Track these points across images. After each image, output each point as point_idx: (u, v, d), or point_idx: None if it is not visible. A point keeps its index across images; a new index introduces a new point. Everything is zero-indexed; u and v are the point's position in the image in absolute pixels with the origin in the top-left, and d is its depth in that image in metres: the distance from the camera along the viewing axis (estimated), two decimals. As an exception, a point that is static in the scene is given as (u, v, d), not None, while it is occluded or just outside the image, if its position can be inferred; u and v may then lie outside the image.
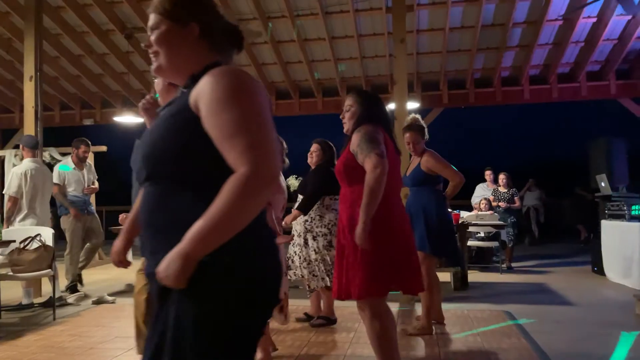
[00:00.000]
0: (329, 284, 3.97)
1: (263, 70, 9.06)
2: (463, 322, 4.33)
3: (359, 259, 2.37)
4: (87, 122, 10.40)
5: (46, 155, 8.99)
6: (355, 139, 2.41)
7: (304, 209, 4.01)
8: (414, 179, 4.04)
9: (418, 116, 4.19)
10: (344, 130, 2.59)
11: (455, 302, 5.16)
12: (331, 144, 4.25)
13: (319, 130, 5.14)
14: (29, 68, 6.03)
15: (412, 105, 8.00)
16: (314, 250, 4.04)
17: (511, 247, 7.66)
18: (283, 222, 3.97)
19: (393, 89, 5.52)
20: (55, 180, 5.65)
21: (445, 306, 4.57)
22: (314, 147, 4.21)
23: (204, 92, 1.13)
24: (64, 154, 9.08)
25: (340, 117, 2.61)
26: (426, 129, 4.10)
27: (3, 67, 9.26)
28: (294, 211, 3.97)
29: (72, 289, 5.64)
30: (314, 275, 4.06)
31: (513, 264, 7.72)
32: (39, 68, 6.06)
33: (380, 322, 2.43)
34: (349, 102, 2.57)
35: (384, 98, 7.70)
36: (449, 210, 6.64)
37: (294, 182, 5.73)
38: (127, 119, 8.45)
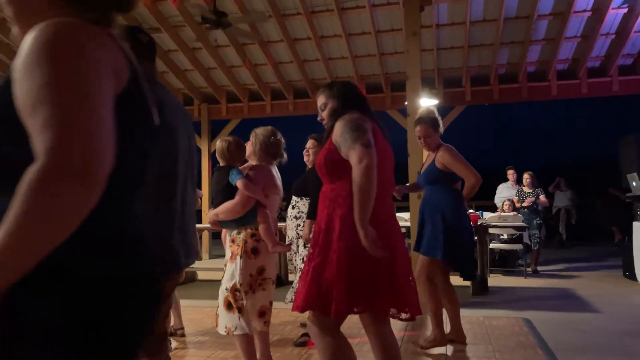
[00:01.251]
0: None
1: (280, 69, 8.94)
2: (476, 330, 4.09)
3: (330, 268, 2.01)
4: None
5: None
6: (338, 128, 2.07)
7: (315, 216, 3.68)
8: (427, 177, 3.64)
9: (433, 108, 3.77)
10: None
11: (472, 307, 4.90)
12: None
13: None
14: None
15: (432, 102, 7.74)
16: (302, 259, 3.75)
17: (537, 250, 7.31)
18: (303, 238, 3.70)
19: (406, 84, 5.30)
20: None
21: (460, 312, 4.32)
22: (310, 143, 3.87)
23: (17, 55, 0.85)
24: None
25: (318, 119, 2.27)
26: (440, 121, 3.69)
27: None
28: (307, 221, 3.64)
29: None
30: None
31: (539, 268, 7.37)
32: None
33: (332, 339, 2.07)
34: (322, 101, 2.25)
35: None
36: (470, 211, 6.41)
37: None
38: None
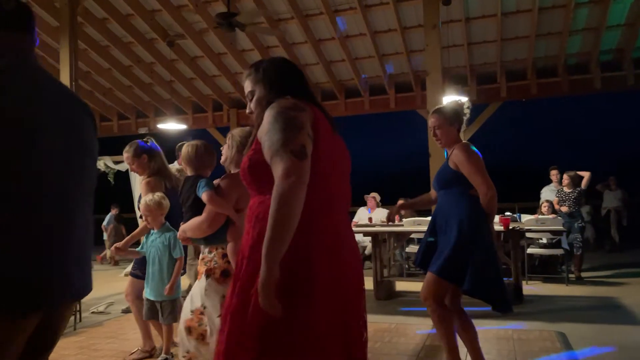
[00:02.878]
0: None
1: (307, 70, 8.78)
2: (502, 346, 3.74)
3: (249, 317, 1.45)
4: (142, 130, 10.65)
5: (101, 164, 9.27)
6: (264, 122, 1.56)
7: None
8: (439, 179, 3.02)
9: (461, 101, 3.16)
10: None
11: (502, 319, 4.52)
12: None
13: (366, 130, 4.67)
14: (64, 80, 6.13)
15: (463, 99, 7.36)
16: None
17: (580, 255, 6.79)
18: None
19: (426, 82, 5.00)
20: None
21: (487, 324, 3.99)
22: None
23: None
24: (117, 162, 9.35)
25: (247, 112, 1.75)
26: (464, 117, 3.07)
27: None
28: None
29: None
30: None
31: (584, 274, 6.84)
32: (74, 78, 6.15)
33: None
34: (248, 88, 1.74)
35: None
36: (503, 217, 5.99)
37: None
38: (170, 125, 8.51)
